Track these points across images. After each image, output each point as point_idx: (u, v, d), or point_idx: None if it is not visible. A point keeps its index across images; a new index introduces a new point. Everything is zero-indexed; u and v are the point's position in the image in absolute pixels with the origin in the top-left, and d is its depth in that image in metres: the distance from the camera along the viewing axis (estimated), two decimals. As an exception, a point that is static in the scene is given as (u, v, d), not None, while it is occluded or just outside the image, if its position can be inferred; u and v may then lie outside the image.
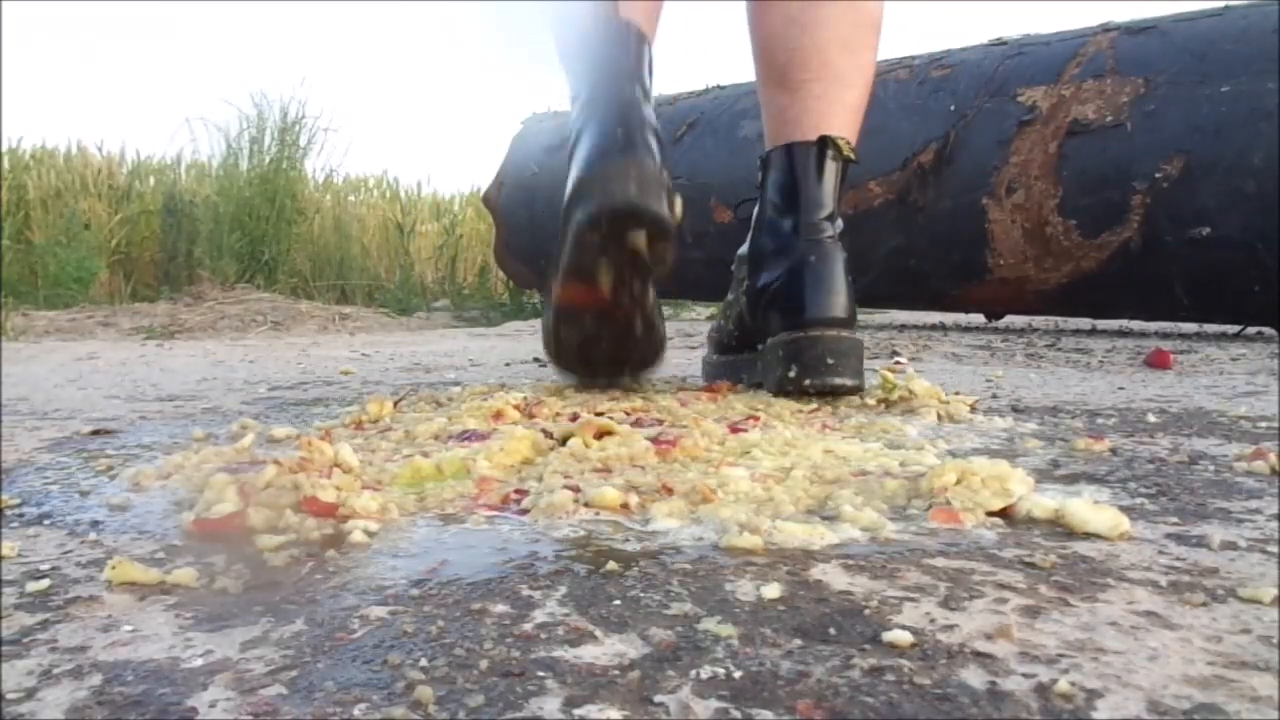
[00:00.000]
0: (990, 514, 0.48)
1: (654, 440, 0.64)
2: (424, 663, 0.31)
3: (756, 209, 0.98)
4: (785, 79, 0.96)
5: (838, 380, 0.86)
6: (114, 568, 0.39)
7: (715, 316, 1.04)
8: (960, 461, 0.52)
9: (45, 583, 0.39)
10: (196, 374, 1.39)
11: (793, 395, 0.87)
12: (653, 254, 0.83)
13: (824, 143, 0.92)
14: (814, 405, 0.87)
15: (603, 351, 0.93)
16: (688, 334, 2.19)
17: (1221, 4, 1.90)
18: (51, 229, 3.43)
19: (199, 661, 0.31)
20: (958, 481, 0.51)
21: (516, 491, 0.53)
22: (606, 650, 0.32)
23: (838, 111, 0.94)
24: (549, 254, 0.91)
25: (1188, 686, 0.28)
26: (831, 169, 0.92)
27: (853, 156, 0.94)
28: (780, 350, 0.89)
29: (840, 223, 0.93)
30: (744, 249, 1.00)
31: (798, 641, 0.32)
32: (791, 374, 0.87)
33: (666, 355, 1.01)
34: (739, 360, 1.02)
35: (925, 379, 0.91)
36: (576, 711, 0.27)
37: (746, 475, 0.55)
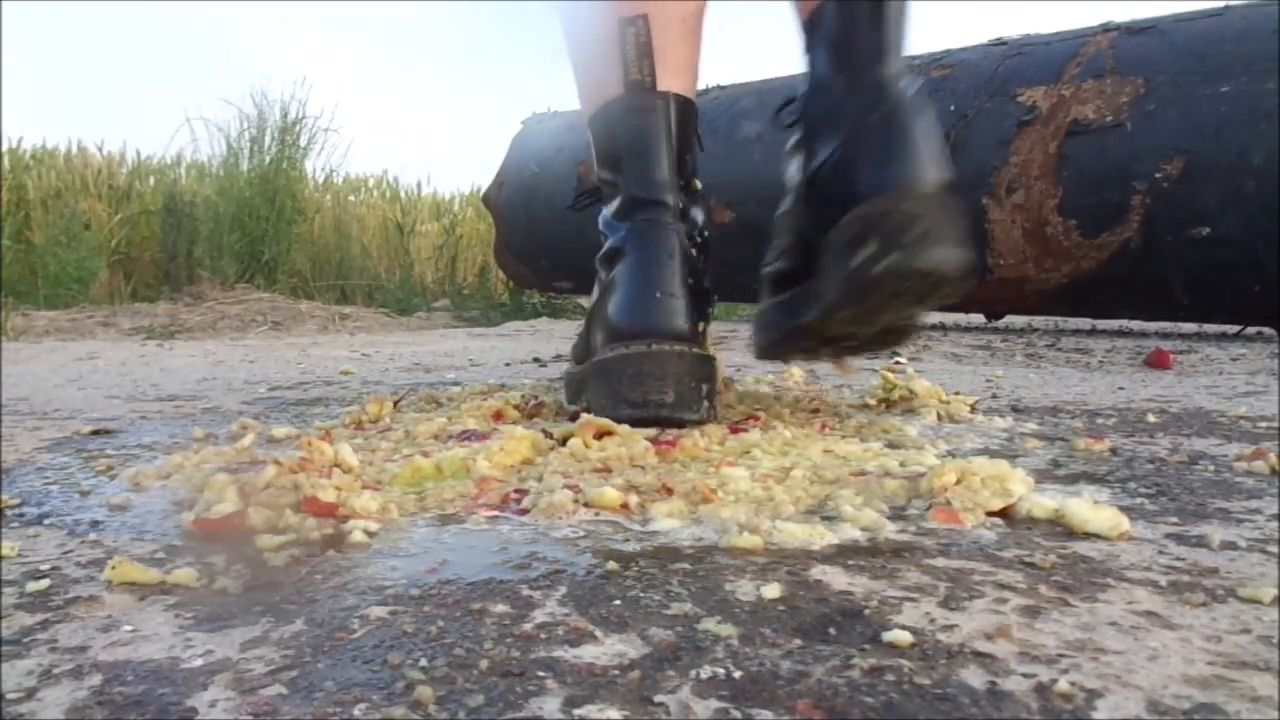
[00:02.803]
0: (990, 514, 0.48)
1: (654, 440, 0.64)
2: (424, 663, 0.31)
3: (806, 90, 0.76)
4: None
5: (939, 252, 0.61)
6: (114, 568, 0.39)
7: (770, 252, 0.83)
8: (960, 461, 0.52)
9: (45, 583, 0.39)
10: (196, 374, 1.39)
11: (865, 293, 0.64)
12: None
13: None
14: (814, 404, 0.87)
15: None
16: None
17: (1221, 4, 1.90)
18: (51, 229, 3.43)
19: (199, 661, 0.31)
20: (958, 481, 0.51)
21: (516, 491, 0.53)
22: (606, 650, 0.32)
23: None
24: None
25: (1188, 686, 0.28)
26: (892, 7, 0.71)
27: None
28: (847, 232, 0.65)
29: (920, 81, 0.72)
30: (791, 142, 0.78)
31: (798, 641, 0.32)
32: (866, 253, 0.61)
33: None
34: (795, 295, 0.76)
35: (925, 379, 0.91)
36: (576, 711, 0.27)
37: (746, 475, 0.55)
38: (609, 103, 0.78)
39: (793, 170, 0.78)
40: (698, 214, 0.79)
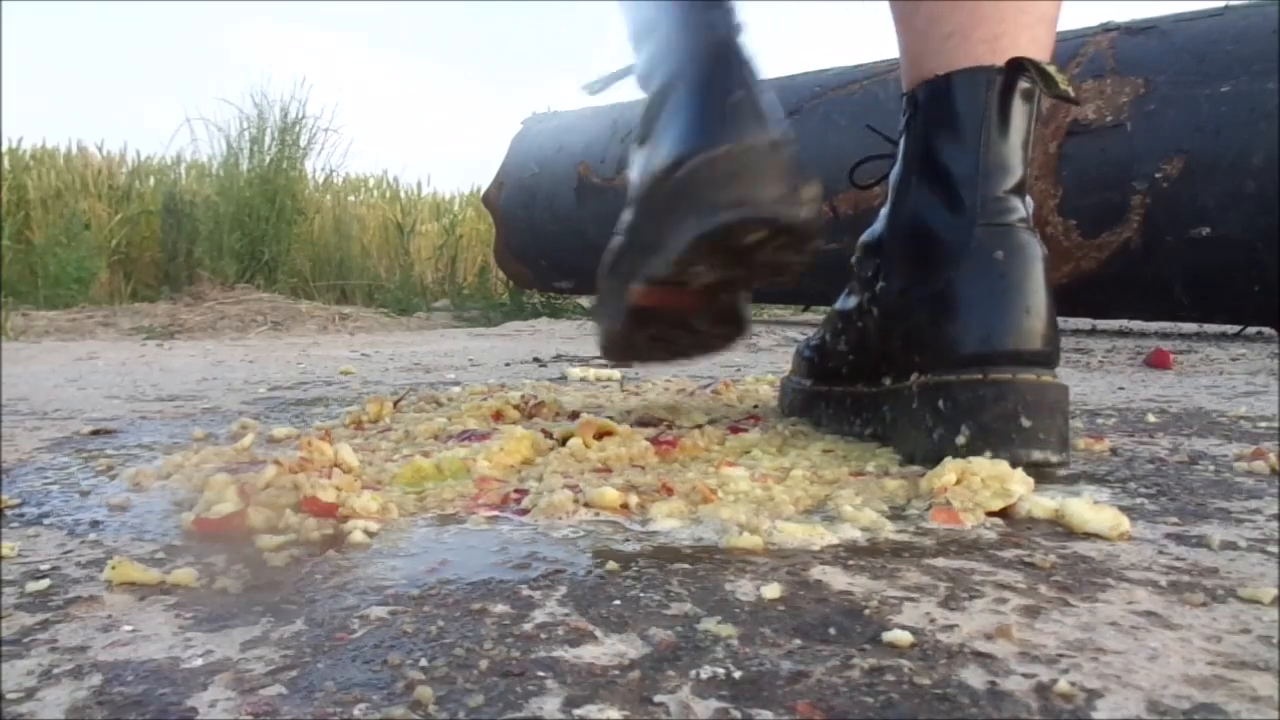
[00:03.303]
0: (990, 514, 0.48)
1: (654, 440, 0.64)
2: (424, 663, 0.31)
3: (895, 173, 0.67)
4: None
5: (1037, 454, 0.56)
6: (114, 568, 0.39)
7: (818, 329, 0.77)
8: (960, 461, 0.52)
9: (45, 583, 0.39)
10: (196, 374, 1.39)
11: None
12: (777, 263, 0.62)
13: (1016, 68, 0.60)
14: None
15: (678, 346, 0.74)
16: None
17: (1221, 4, 1.90)
18: (51, 229, 3.43)
19: (199, 661, 0.31)
20: (958, 481, 0.51)
21: (516, 491, 0.53)
22: (606, 650, 0.32)
23: (1026, 23, 0.62)
24: (590, 246, 0.75)
25: (1188, 686, 0.28)
26: (1022, 111, 0.61)
27: (1065, 88, 0.60)
28: (940, 400, 0.58)
29: (1030, 201, 0.62)
30: (872, 234, 0.69)
31: (798, 641, 0.32)
32: (961, 440, 0.56)
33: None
34: (847, 395, 0.71)
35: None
36: (576, 711, 0.27)
37: (746, 475, 0.55)
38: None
39: (869, 271, 0.69)
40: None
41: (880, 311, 0.66)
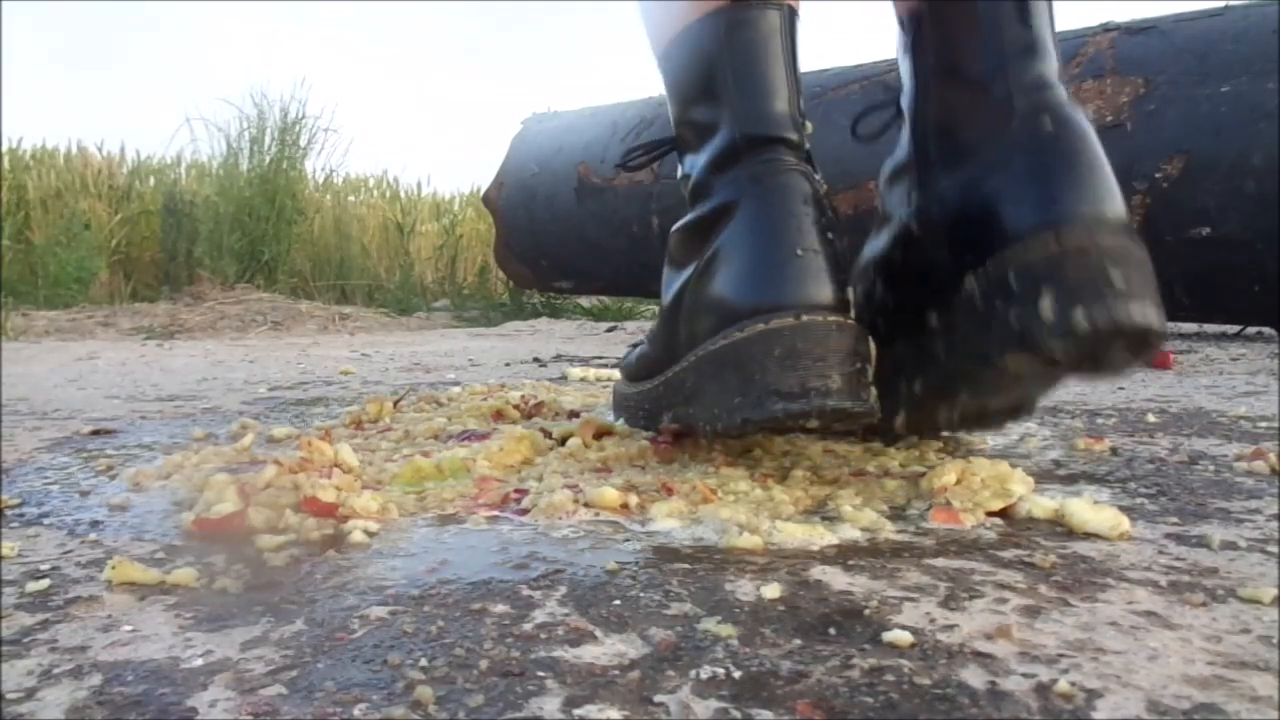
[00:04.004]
0: (990, 514, 0.48)
1: (654, 440, 0.64)
2: (424, 663, 0.31)
3: (907, 94, 0.62)
4: None
5: (1137, 313, 0.46)
6: (114, 568, 0.39)
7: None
8: (960, 461, 0.52)
9: (45, 583, 0.39)
10: (196, 374, 1.39)
11: (1043, 358, 0.50)
12: (825, 432, 0.58)
13: None
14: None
15: None
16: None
17: (1221, 4, 1.90)
18: (51, 229, 3.43)
19: (199, 661, 0.31)
20: (958, 481, 0.51)
21: (516, 491, 0.53)
22: (606, 650, 0.32)
23: None
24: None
25: (1187, 686, 0.28)
26: None
27: None
28: (1010, 276, 0.50)
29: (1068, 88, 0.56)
30: (894, 160, 0.64)
31: (798, 641, 0.32)
32: (1045, 309, 0.47)
33: None
34: (886, 358, 0.57)
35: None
36: (576, 711, 0.27)
37: (746, 475, 0.55)
38: (705, 18, 0.60)
39: (895, 202, 0.62)
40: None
41: (921, 227, 0.59)
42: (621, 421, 0.69)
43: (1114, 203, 0.50)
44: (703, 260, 0.59)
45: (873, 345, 0.55)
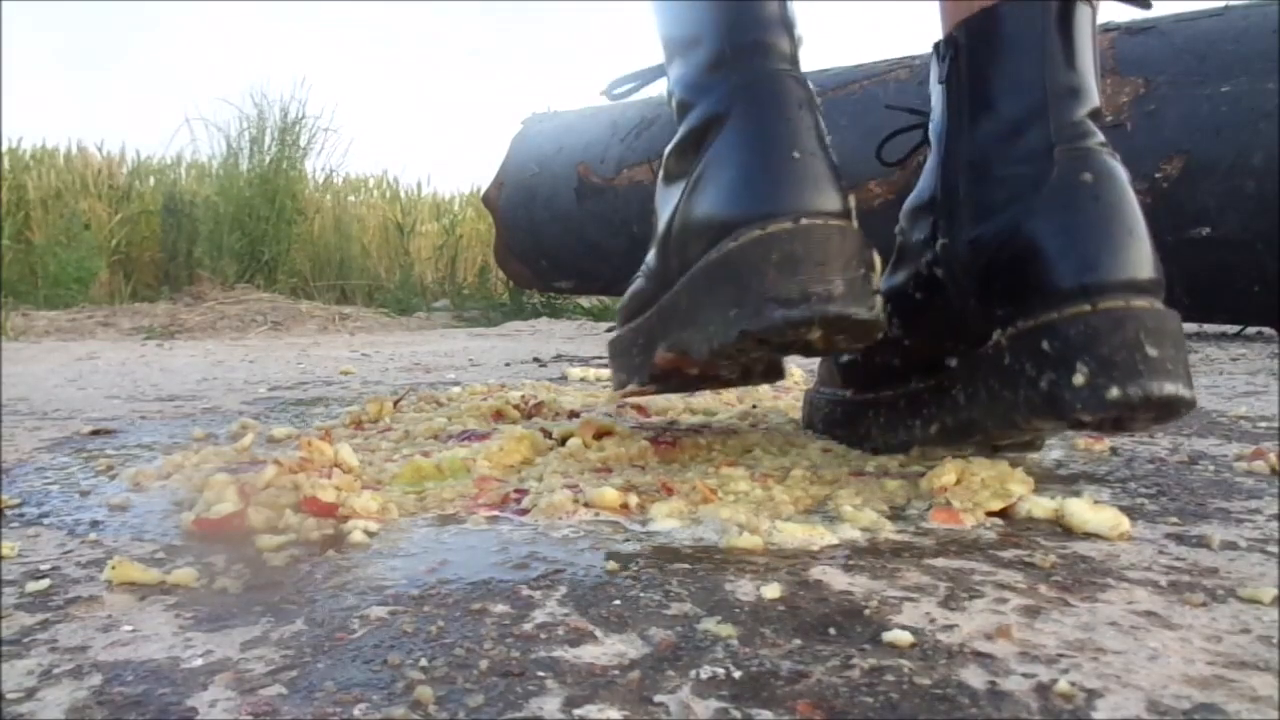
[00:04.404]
0: (990, 514, 0.48)
1: (654, 440, 0.64)
2: (424, 663, 0.31)
3: (937, 124, 0.60)
4: None
5: (1169, 386, 0.47)
6: (114, 568, 0.39)
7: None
8: (960, 461, 0.52)
9: (45, 583, 0.39)
10: (196, 374, 1.39)
11: (1072, 424, 0.49)
12: (829, 349, 0.54)
13: None
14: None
15: (703, 386, 0.66)
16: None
17: (1221, 4, 1.90)
18: (51, 229, 3.43)
19: (199, 661, 0.31)
20: (957, 481, 0.51)
21: (516, 491, 0.53)
22: (606, 650, 0.32)
23: None
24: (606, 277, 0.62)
25: (1187, 686, 0.28)
26: (1086, 17, 0.54)
27: None
28: (1044, 342, 0.49)
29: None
30: (918, 195, 0.62)
31: (798, 641, 0.32)
32: (1079, 380, 0.47)
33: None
34: (900, 398, 0.60)
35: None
36: (576, 711, 0.27)
37: (746, 475, 0.55)
38: None
39: (921, 234, 0.60)
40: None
41: (946, 271, 0.56)
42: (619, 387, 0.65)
43: (1150, 266, 0.50)
44: (691, 178, 0.56)
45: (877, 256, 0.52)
